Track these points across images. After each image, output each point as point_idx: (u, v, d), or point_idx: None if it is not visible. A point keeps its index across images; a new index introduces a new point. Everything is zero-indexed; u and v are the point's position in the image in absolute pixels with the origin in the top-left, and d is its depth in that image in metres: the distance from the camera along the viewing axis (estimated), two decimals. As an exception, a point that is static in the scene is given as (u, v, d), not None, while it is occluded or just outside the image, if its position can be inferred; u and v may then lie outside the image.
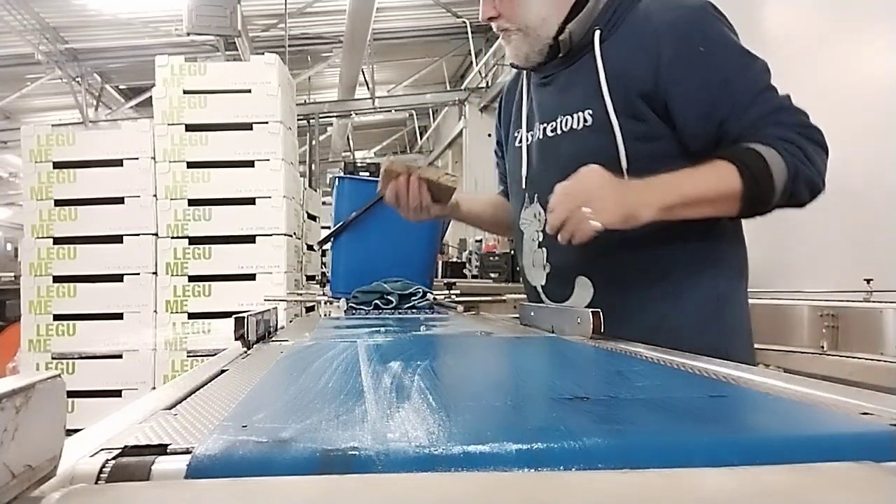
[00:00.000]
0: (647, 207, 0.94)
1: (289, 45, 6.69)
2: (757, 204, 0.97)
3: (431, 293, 1.52)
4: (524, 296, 1.31)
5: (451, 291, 1.77)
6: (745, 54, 1.04)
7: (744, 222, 1.14)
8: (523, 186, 1.24)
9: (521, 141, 1.26)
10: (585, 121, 1.11)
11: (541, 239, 1.20)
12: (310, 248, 3.27)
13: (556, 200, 0.97)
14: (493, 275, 4.79)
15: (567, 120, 1.14)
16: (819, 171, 0.98)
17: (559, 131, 1.16)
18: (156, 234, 2.59)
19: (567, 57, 1.17)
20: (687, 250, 1.08)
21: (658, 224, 0.99)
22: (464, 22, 7.91)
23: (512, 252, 4.37)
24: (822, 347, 2.22)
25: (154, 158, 2.60)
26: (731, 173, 0.95)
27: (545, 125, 1.19)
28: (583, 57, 1.13)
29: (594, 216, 0.92)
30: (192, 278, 2.57)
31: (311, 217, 3.42)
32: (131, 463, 0.33)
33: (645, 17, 1.08)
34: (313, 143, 8.52)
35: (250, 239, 2.57)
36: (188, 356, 2.56)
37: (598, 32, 1.11)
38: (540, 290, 1.23)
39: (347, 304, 1.48)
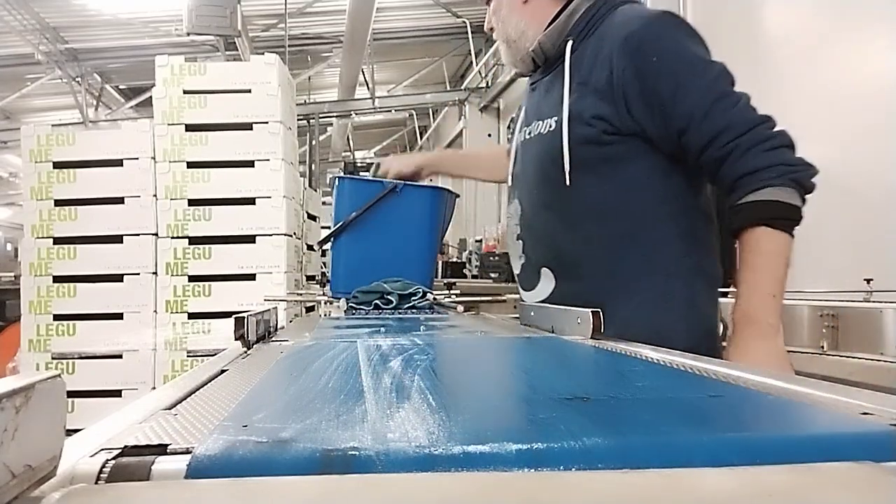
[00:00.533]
0: (770, 325, 1.03)
1: (289, 45, 6.70)
2: (797, 222, 1.01)
3: (431, 293, 1.52)
4: None
5: (451, 291, 1.77)
6: (698, 62, 1.06)
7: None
8: (510, 184, 1.34)
9: (515, 142, 1.34)
10: (550, 127, 1.17)
11: (518, 232, 1.27)
12: (310, 248, 3.27)
13: None
14: (493, 275, 4.79)
15: (539, 125, 1.21)
16: (799, 163, 1.01)
17: (533, 135, 1.23)
18: (156, 234, 2.59)
19: (547, 66, 1.24)
20: (639, 253, 1.12)
21: (610, 225, 1.10)
22: (464, 22, 7.92)
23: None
24: (822, 347, 2.22)
25: (154, 158, 2.60)
26: (766, 235, 1.00)
27: (526, 129, 1.27)
28: (558, 67, 1.20)
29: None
30: (192, 278, 2.57)
31: (311, 217, 3.41)
32: (131, 463, 0.33)
33: (610, 28, 1.13)
34: (313, 143, 8.53)
35: (250, 239, 2.57)
36: (188, 356, 2.55)
37: (569, 43, 1.17)
38: (517, 279, 1.31)
39: (347, 304, 1.48)
